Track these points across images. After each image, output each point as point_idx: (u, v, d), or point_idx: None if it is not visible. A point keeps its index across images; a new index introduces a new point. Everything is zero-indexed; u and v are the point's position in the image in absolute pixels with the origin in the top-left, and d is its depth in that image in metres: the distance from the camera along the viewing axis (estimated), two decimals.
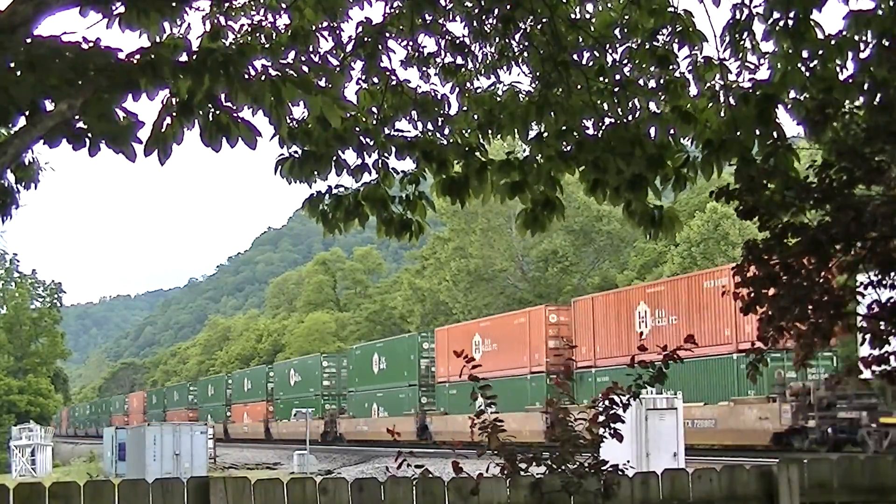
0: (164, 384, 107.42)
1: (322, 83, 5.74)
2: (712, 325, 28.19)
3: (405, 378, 44.39)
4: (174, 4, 5.16)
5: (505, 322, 39.37)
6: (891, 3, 6.00)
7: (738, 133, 6.14)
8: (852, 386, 8.29)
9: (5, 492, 4.88)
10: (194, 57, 4.86)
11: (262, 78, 5.02)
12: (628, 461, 6.08)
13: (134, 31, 5.21)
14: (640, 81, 6.48)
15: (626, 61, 6.47)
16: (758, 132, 6.18)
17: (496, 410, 5.81)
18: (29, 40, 4.53)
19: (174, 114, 4.97)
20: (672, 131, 6.33)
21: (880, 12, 5.96)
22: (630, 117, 6.44)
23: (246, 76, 4.92)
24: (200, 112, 4.95)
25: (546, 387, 33.05)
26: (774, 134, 6.14)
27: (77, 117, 4.59)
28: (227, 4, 6.24)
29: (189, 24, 5.86)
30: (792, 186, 6.95)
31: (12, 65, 4.40)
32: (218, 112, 4.92)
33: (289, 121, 5.97)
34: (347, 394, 49.63)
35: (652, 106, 6.50)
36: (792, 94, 6.23)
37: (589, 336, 33.04)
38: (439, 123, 6.70)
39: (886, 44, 5.96)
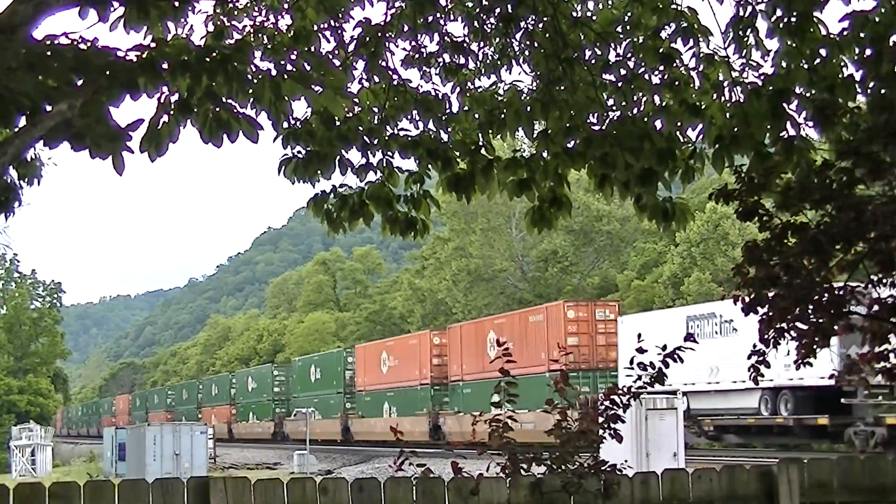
0: (165, 384, 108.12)
1: (323, 79, 5.74)
2: (533, 350, 33.33)
3: (334, 386, 51.37)
4: (176, 5, 5.16)
5: (402, 343, 47.81)
6: (891, 3, 6.00)
7: (750, 128, 6.13)
8: (860, 384, 8.26)
9: (5, 492, 4.88)
10: (193, 55, 4.85)
11: (262, 76, 5.02)
12: (626, 461, 6.09)
13: (138, 33, 5.22)
14: (645, 76, 6.48)
15: (629, 56, 6.47)
16: (770, 127, 6.17)
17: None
18: (29, 41, 4.53)
19: (171, 111, 4.97)
20: (679, 124, 6.33)
21: (883, 10, 5.95)
22: (636, 111, 6.44)
23: (246, 75, 4.92)
24: (198, 110, 4.95)
25: (430, 395, 41.29)
26: (788, 127, 6.13)
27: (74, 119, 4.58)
28: (229, 5, 6.24)
29: (192, 25, 5.87)
30: (809, 179, 6.97)
31: (12, 65, 4.40)
32: (218, 109, 4.92)
33: (292, 120, 5.97)
34: (292, 399, 56.76)
35: (657, 99, 6.50)
36: (798, 92, 6.22)
37: (458, 356, 39.99)
38: (441, 122, 6.70)
39: (891, 43, 5.96)
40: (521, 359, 26.31)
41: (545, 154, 6.56)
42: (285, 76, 4.91)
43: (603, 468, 5.83)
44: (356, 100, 6.56)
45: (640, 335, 6.24)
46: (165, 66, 4.70)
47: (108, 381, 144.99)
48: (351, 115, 6.42)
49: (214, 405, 67.53)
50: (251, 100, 5.05)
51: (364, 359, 49.35)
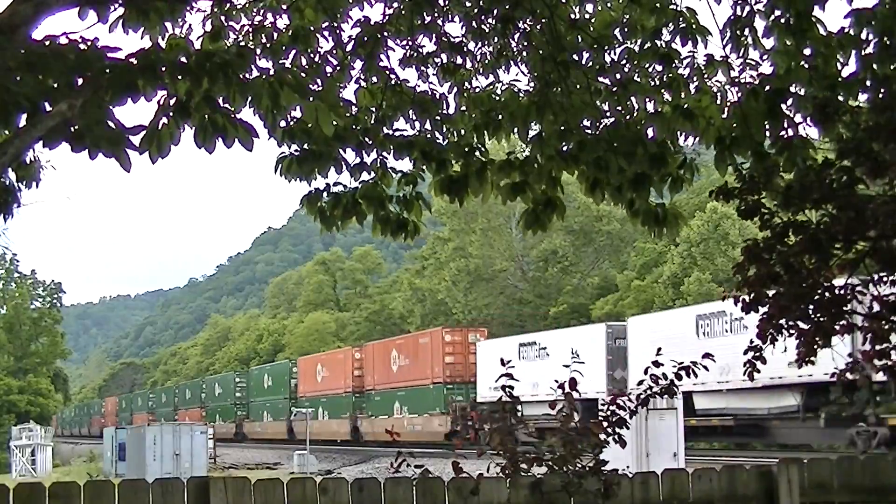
0: (166, 384, 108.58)
1: (319, 87, 5.74)
2: (422, 367, 42.62)
3: (282, 393, 58.89)
4: (175, 4, 5.15)
5: (332, 357, 56.13)
6: (891, 1, 6.00)
7: (749, 128, 6.13)
8: (861, 382, 8.24)
9: (5, 492, 4.88)
10: (193, 59, 4.85)
11: (263, 77, 5.01)
12: (627, 466, 6.08)
13: (136, 32, 5.21)
14: (641, 80, 6.48)
15: (625, 61, 6.47)
16: (768, 127, 6.17)
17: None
18: (29, 41, 4.53)
19: (171, 114, 4.96)
20: (673, 129, 6.33)
21: (883, 8, 5.95)
22: (630, 116, 6.44)
23: (245, 77, 4.91)
24: (197, 113, 4.94)
25: (352, 402, 49.72)
26: (786, 127, 6.13)
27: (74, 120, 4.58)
28: (227, 5, 6.24)
29: (190, 24, 5.87)
30: (809, 178, 6.96)
31: (12, 65, 4.40)
32: (214, 113, 4.90)
33: (289, 118, 5.97)
34: (249, 403, 64.74)
35: (650, 105, 6.50)
36: (796, 91, 6.22)
37: (371, 369, 48.58)
38: (437, 123, 6.70)
39: (888, 42, 5.96)
40: (413, 374, 40.98)
41: (539, 157, 6.56)
42: (283, 85, 4.89)
43: (603, 469, 5.82)
44: (353, 99, 6.56)
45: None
46: (165, 68, 4.70)
47: (108, 382, 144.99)
48: (348, 114, 6.42)
49: (188, 408, 73.98)
50: (248, 103, 5.04)
51: (304, 370, 57.07)
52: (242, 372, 72.91)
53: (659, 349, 6.00)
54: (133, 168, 4.60)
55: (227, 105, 4.91)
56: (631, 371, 30.77)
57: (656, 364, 6.22)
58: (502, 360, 6.02)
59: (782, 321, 7.49)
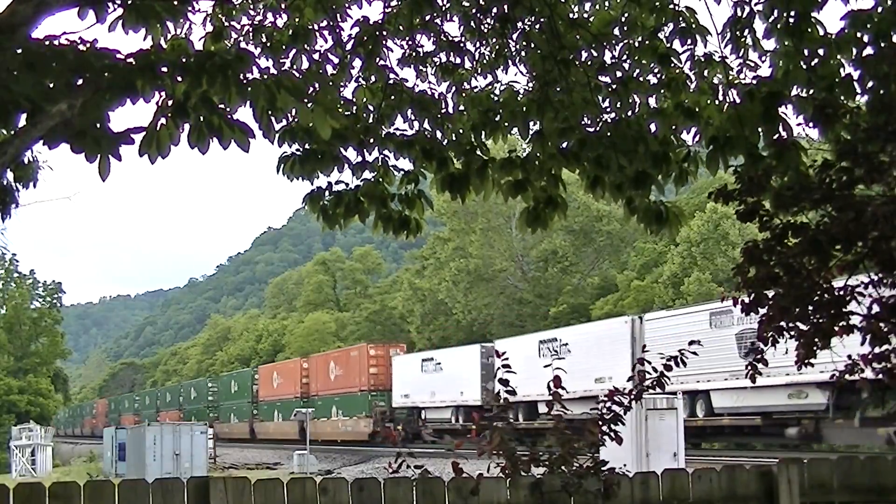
0: (165, 384, 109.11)
1: (319, 87, 5.73)
2: (353, 377, 51.21)
3: (245, 397, 66.50)
4: (175, 4, 5.15)
5: (285, 366, 64.17)
6: (889, 2, 5.99)
7: (744, 130, 6.12)
8: (863, 384, 8.22)
9: (5, 492, 4.88)
10: (193, 59, 4.84)
11: (262, 78, 5.00)
12: (625, 465, 6.08)
13: (136, 33, 5.21)
14: (641, 78, 6.48)
15: (625, 58, 6.47)
16: (763, 129, 6.17)
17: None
18: (29, 41, 4.53)
19: (169, 115, 4.96)
20: (674, 127, 6.33)
21: (880, 10, 5.95)
22: (630, 113, 6.44)
23: (244, 78, 4.90)
24: (194, 113, 4.93)
25: (301, 405, 53.21)
26: (781, 130, 6.13)
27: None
28: (228, 5, 6.24)
29: (191, 24, 5.87)
30: (800, 182, 6.96)
31: (12, 65, 4.40)
32: (211, 114, 4.90)
33: (289, 118, 5.97)
34: (219, 406, 71.74)
35: (652, 102, 6.49)
36: (796, 92, 6.22)
37: (315, 378, 56.76)
38: (437, 122, 6.70)
39: (885, 44, 5.96)
40: (346, 382, 51.54)
41: (540, 154, 6.56)
42: (281, 88, 4.87)
43: (602, 469, 5.83)
44: (353, 98, 6.57)
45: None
46: (165, 69, 4.69)
47: (108, 382, 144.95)
48: (348, 113, 6.42)
49: (167, 410, 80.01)
50: (245, 103, 5.02)
51: (263, 377, 64.94)
52: (214, 378, 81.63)
53: (508, 366, 6.04)
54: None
55: (223, 105, 4.90)
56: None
57: (641, 361, 6.32)
58: (506, 365, 6.11)
59: (783, 324, 7.49)
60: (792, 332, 7.52)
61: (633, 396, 6.19)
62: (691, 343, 6.26)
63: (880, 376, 7.67)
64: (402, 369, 47.20)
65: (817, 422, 27.87)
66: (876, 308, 7.43)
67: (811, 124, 6.24)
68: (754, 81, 6.19)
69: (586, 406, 6.62)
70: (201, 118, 4.88)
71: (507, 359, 6.11)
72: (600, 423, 6.05)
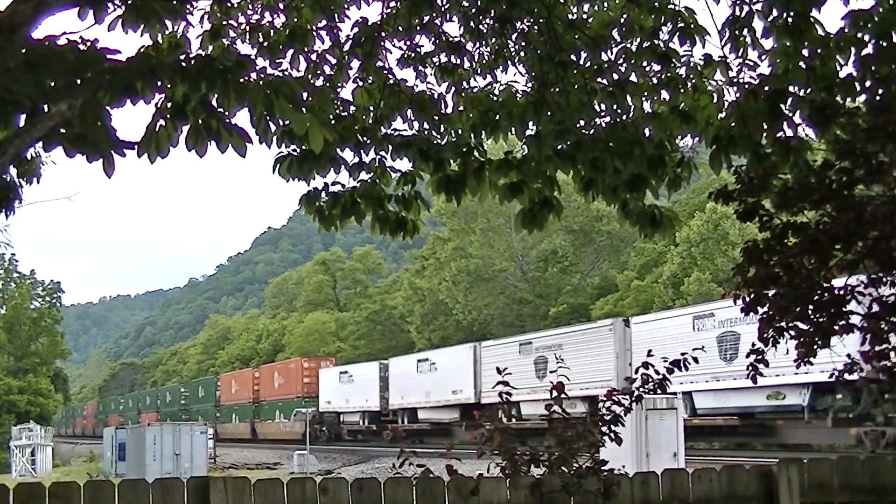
0: (165, 384, 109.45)
1: (318, 88, 5.72)
2: (291, 385, 60.22)
3: (210, 401, 74.66)
4: (175, 4, 5.15)
5: (241, 375, 72.96)
6: (889, 2, 5.99)
7: (747, 129, 6.12)
8: (865, 385, 8.25)
9: (5, 492, 4.88)
10: (193, 63, 4.84)
11: (260, 83, 5.00)
12: (623, 466, 6.09)
13: (135, 32, 5.21)
14: (639, 80, 6.47)
15: (622, 60, 6.47)
16: (767, 127, 6.16)
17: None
18: (29, 41, 4.52)
19: (168, 116, 4.96)
20: (670, 132, 6.33)
21: (880, 10, 5.95)
22: (626, 116, 6.43)
23: (243, 81, 4.90)
24: (193, 116, 4.93)
25: (252, 409, 65.38)
26: (785, 128, 6.12)
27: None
28: (225, 4, 6.24)
29: (189, 22, 5.86)
30: (800, 182, 6.96)
31: (12, 65, 4.40)
32: (210, 118, 4.89)
33: (286, 122, 5.96)
34: (190, 408, 78.25)
35: (647, 106, 6.49)
36: (795, 92, 6.21)
37: (264, 385, 65.20)
38: (435, 123, 6.70)
39: (885, 43, 5.95)
40: (286, 390, 61.10)
41: (536, 156, 6.56)
42: (279, 95, 4.86)
43: (602, 469, 5.83)
44: (351, 98, 6.56)
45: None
46: (164, 72, 4.69)
47: (108, 382, 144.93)
48: (346, 113, 6.42)
49: (147, 412, 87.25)
50: (242, 107, 5.02)
51: (224, 384, 73.96)
52: (186, 384, 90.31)
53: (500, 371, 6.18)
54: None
55: (221, 108, 4.89)
56: (392, 394, 48.64)
57: (645, 365, 6.35)
58: (498, 369, 6.23)
59: (783, 323, 7.49)
60: (791, 332, 7.53)
61: (633, 398, 6.20)
62: (694, 350, 6.32)
63: (881, 375, 7.68)
64: (326, 380, 56.37)
65: (793, 422, 28.91)
66: (875, 307, 7.44)
67: (808, 124, 6.23)
68: (756, 81, 6.18)
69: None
70: (199, 121, 4.88)
71: (507, 371, 6.21)
72: (599, 423, 6.05)
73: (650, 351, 6.37)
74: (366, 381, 50.95)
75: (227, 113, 4.88)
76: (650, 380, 6.26)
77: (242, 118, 5.03)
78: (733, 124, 6.19)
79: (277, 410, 61.19)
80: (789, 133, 6.17)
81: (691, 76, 6.37)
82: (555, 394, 6.12)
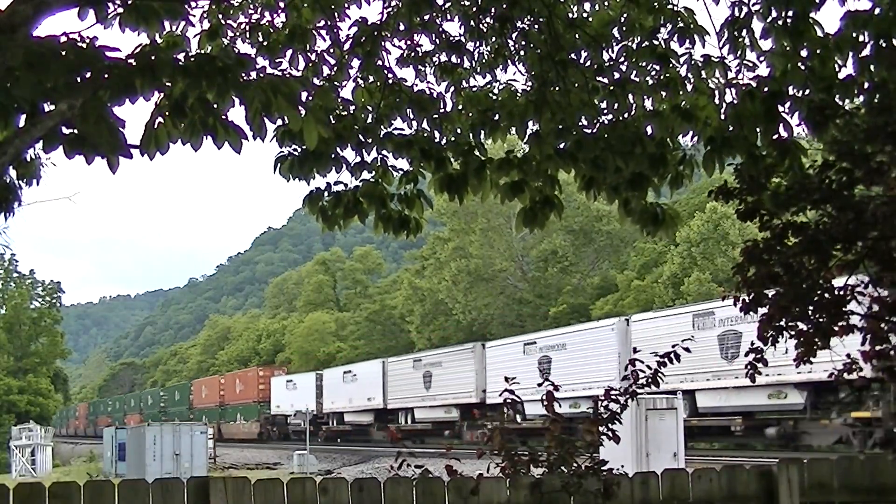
0: (165, 384, 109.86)
1: (313, 94, 5.71)
2: (249, 391, 69.46)
3: (184, 404, 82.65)
4: (174, 4, 5.15)
5: (210, 381, 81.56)
6: (888, 3, 5.98)
7: (743, 130, 6.11)
8: (860, 383, 8.24)
9: (5, 492, 4.88)
10: (192, 59, 4.84)
11: (258, 81, 4.99)
12: (623, 466, 6.09)
13: (134, 31, 5.20)
14: (638, 79, 6.47)
15: (622, 59, 6.46)
16: (762, 129, 6.16)
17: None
18: (29, 40, 4.52)
19: (167, 113, 4.96)
20: (671, 129, 6.32)
21: (878, 11, 5.94)
22: (627, 115, 6.43)
23: (242, 79, 4.90)
24: (193, 114, 4.93)
25: (219, 412, 73.54)
26: (781, 130, 6.12)
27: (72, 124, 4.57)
28: (224, 3, 6.23)
29: (188, 20, 5.86)
30: (800, 182, 6.96)
31: (12, 65, 4.39)
32: (208, 115, 4.89)
33: (284, 120, 5.96)
34: (168, 410, 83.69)
35: (648, 104, 6.49)
36: (792, 92, 6.21)
37: (227, 390, 74.37)
38: (435, 122, 6.69)
39: (884, 44, 5.95)
40: (245, 395, 72.26)
41: (537, 155, 6.56)
42: (277, 94, 4.86)
43: (602, 469, 5.83)
44: (351, 98, 6.56)
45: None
46: (164, 70, 4.69)
47: (107, 381, 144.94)
48: (346, 113, 6.41)
49: (132, 413, 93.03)
50: (236, 104, 5.02)
51: (196, 389, 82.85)
52: (165, 389, 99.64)
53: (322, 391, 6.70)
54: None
55: (216, 103, 4.89)
56: (325, 399, 58.22)
57: (633, 362, 6.36)
58: (507, 378, 6.25)
59: (783, 323, 7.50)
60: (791, 332, 7.53)
61: (629, 395, 6.20)
62: (683, 340, 6.30)
63: (881, 374, 7.68)
64: (276, 387, 65.07)
65: (796, 422, 29.00)
66: (875, 307, 7.44)
67: (806, 125, 6.23)
68: (754, 82, 6.18)
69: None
70: (197, 117, 4.88)
71: (514, 380, 6.23)
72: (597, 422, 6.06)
73: (656, 353, 6.37)
74: (306, 389, 60.48)
75: (221, 108, 4.88)
76: (641, 376, 6.24)
77: (239, 116, 5.04)
78: (730, 126, 6.18)
79: (238, 413, 71.01)
80: (785, 135, 6.16)
81: (690, 76, 6.36)
82: (556, 394, 6.13)
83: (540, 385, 6.41)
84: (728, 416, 30.27)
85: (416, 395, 48.40)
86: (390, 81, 6.56)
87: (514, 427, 32.94)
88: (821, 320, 7.43)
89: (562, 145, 6.49)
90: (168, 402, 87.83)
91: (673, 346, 6.30)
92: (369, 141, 6.50)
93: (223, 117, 4.89)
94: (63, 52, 4.46)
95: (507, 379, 6.23)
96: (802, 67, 6.01)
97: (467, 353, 44.37)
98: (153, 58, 4.66)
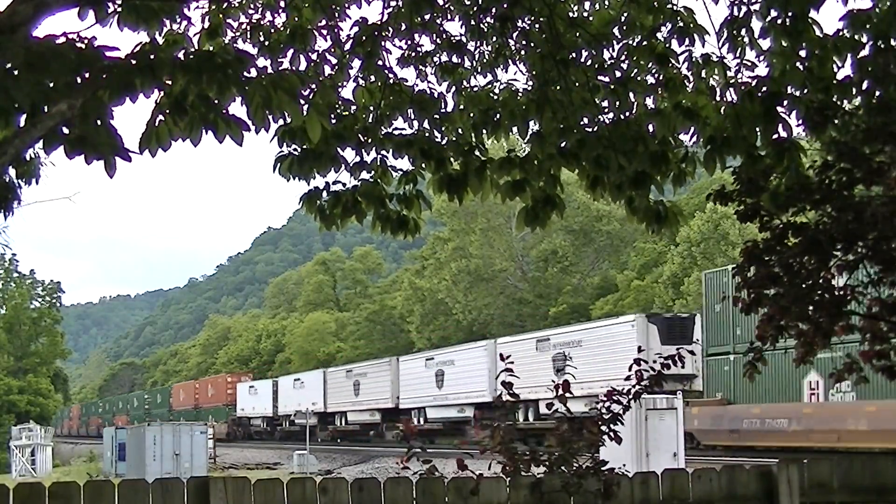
0: (165, 384, 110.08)
1: (315, 91, 5.71)
2: (219, 395, 76.68)
3: (165, 406, 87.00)
4: (174, 4, 5.15)
5: (187, 385, 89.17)
6: (888, 3, 5.98)
7: (742, 130, 6.11)
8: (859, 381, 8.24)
9: (5, 492, 4.88)
10: (192, 56, 4.84)
11: (260, 78, 5.00)
12: (623, 466, 6.09)
13: (133, 31, 5.20)
14: (639, 78, 6.47)
15: (623, 58, 6.46)
16: (762, 129, 6.15)
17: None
18: (29, 40, 4.52)
19: (167, 111, 4.96)
20: (673, 127, 6.32)
21: (877, 10, 5.94)
22: (629, 114, 6.43)
23: (243, 77, 4.90)
24: (193, 112, 4.93)
25: (194, 414, 74.92)
26: (781, 130, 6.11)
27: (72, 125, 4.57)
28: (224, 3, 6.23)
29: (189, 20, 5.85)
30: (800, 182, 6.96)
31: (12, 65, 4.39)
32: (209, 111, 4.89)
33: (285, 117, 5.96)
34: (151, 412, 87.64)
35: (650, 102, 6.48)
36: (791, 93, 6.20)
37: (201, 394, 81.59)
38: (436, 122, 6.69)
39: (882, 45, 5.95)
40: (216, 399, 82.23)
41: (538, 154, 6.55)
42: (277, 89, 4.86)
43: (602, 469, 5.83)
44: (352, 98, 6.56)
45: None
46: (164, 68, 4.68)
47: (107, 381, 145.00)
48: (346, 113, 6.41)
49: (120, 415, 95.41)
50: (237, 99, 5.02)
51: (175, 392, 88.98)
52: (149, 391, 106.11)
53: (510, 370, 6.32)
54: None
55: (217, 99, 4.88)
56: (280, 404, 63.68)
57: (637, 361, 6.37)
58: (509, 369, 6.20)
59: (783, 323, 7.50)
60: (791, 332, 7.53)
61: (631, 396, 6.20)
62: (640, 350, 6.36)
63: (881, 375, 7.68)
64: (241, 392, 71.76)
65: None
66: (875, 307, 7.44)
67: (805, 126, 6.23)
68: (753, 82, 6.17)
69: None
70: (197, 114, 4.88)
71: (511, 361, 6.24)
72: (599, 422, 6.05)
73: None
74: (265, 394, 66.93)
75: (222, 103, 4.88)
76: (644, 376, 6.24)
77: (240, 111, 5.03)
78: (728, 125, 6.18)
79: (210, 415, 74.89)
80: (784, 135, 6.16)
81: (690, 76, 6.36)
82: (570, 392, 6.12)
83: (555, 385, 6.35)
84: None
85: (541, 382, 45.18)
86: (391, 81, 6.55)
87: (526, 427, 33.22)
88: (821, 320, 7.43)
89: (564, 144, 6.48)
90: (151, 404, 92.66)
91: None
92: (369, 141, 6.50)
93: (224, 112, 4.88)
94: (63, 52, 4.46)
95: (505, 384, 6.21)
96: (801, 67, 6.01)
97: (627, 328, 38.43)
98: (153, 56, 4.66)
